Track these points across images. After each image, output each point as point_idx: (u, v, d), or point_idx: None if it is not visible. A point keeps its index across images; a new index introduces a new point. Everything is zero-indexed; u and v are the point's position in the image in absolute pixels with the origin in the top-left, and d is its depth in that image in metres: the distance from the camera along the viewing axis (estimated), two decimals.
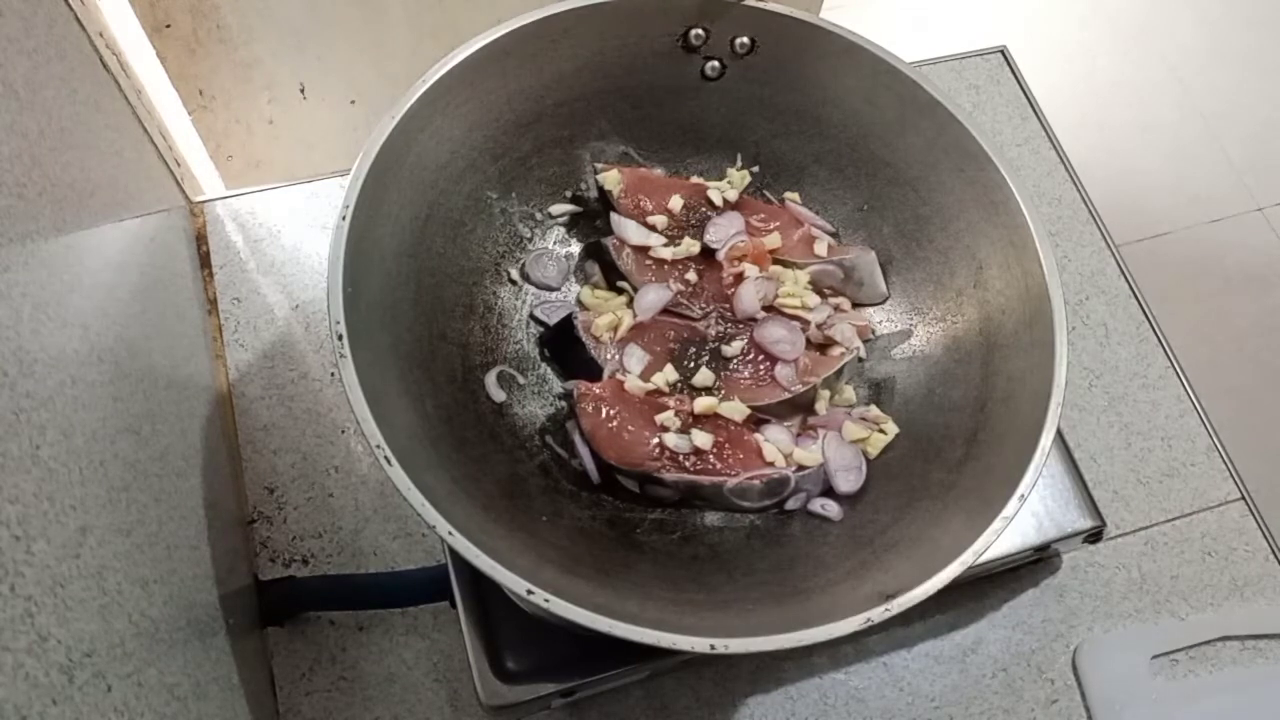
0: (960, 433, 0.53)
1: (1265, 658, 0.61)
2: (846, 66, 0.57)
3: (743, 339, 0.58)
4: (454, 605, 0.50)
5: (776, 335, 0.57)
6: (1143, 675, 0.59)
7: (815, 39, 0.57)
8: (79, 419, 0.36)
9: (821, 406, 0.57)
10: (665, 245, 0.60)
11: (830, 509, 0.53)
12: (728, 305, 0.59)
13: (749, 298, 0.58)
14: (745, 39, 0.58)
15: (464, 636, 0.49)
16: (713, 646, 0.40)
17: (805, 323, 0.58)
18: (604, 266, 0.61)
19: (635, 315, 0.57)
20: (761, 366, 0.57)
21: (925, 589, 0.42)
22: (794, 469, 0.53)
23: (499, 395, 0.55)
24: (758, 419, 0.56)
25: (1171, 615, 0.62)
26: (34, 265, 0.35)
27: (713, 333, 0.58)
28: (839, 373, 0.57)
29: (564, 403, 0.56)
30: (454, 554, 0.46)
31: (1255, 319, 1.61)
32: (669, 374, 0.56)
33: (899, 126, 0.58)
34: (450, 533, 0.40)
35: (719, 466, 0.53)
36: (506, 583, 0.40)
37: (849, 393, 0.58)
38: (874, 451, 0.55)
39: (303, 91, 0.94)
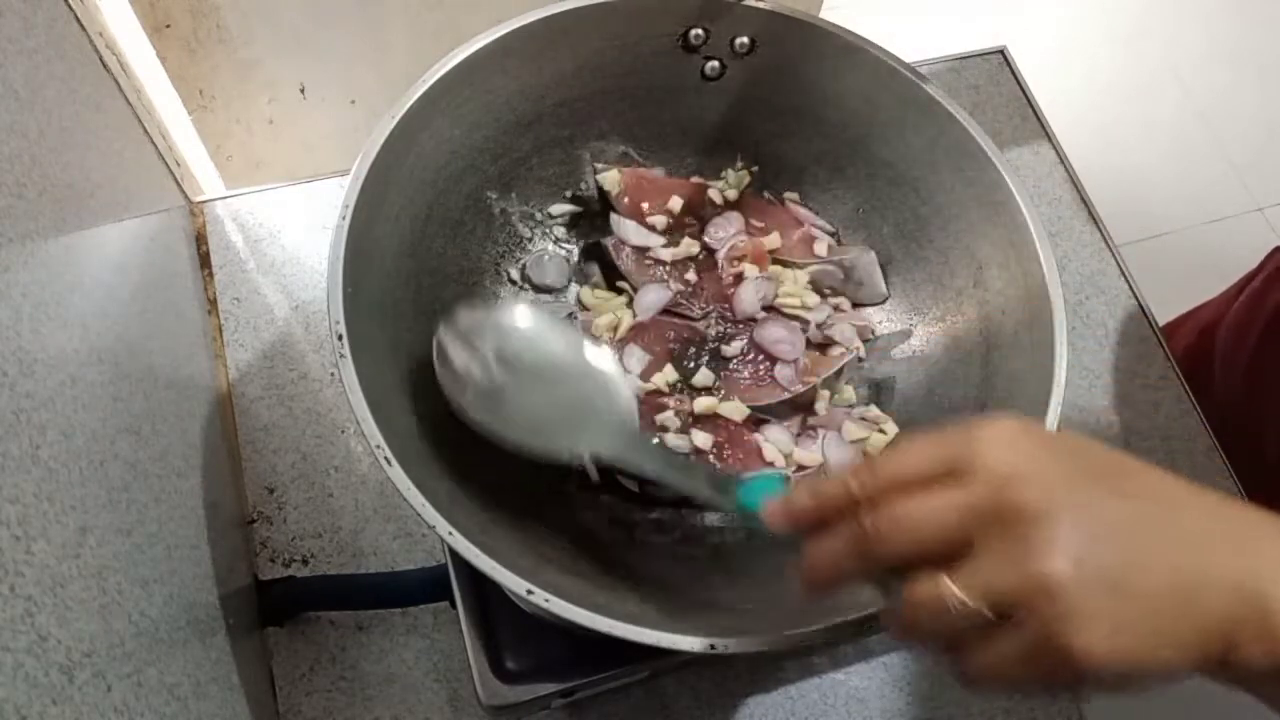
0: None
1: None
2: (846, 66, 0.57)
3: (743, 339, 0.57)
4: (454, 605, 0.50)
5: (776, 335, 0.57)
6: None
7: (815, 39, 0.57)
8: (79, 419, 0.36)
9: (821, 406, 0.57)
10: (665, 245, 0.60)
11: None
12: (728, 305, 0.58)
13: (749, 298, 0.58)
14: (745, 39, 0.58)
15: (464, 636, 0.49)
16: (713, 646, 0.40)
17: (805, 323, 0.58)
18: (604, 267, 0.61)
19: (635, 315, 0.57)
20: (761, 366, 0.57)
21: None
22: (794, 469, 0.53)
23: None
24: (758, 419, 0.56)
25: None
26: (34, 265, 0.35)
27: (712, 333, 0.58)
28: (839, 373, 0.57)
29: None
30: (454, 554, 0.46)
31: None
32: (669, 374, 0.56)
33: (899, 126, 0.58)
34: (450, 533, 0.40)
35: (719, 467, 0.53)
36: (506, 583, 0.40)
37: (849, 393, 0.58)
38: (874, 451, 0.55)
39: (303, 91, 0.94)
